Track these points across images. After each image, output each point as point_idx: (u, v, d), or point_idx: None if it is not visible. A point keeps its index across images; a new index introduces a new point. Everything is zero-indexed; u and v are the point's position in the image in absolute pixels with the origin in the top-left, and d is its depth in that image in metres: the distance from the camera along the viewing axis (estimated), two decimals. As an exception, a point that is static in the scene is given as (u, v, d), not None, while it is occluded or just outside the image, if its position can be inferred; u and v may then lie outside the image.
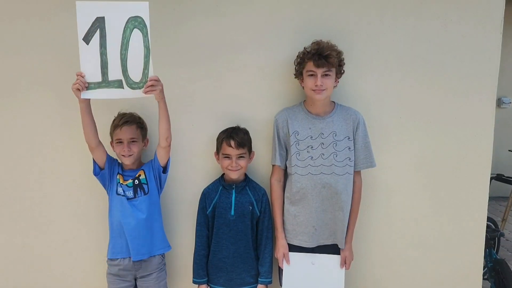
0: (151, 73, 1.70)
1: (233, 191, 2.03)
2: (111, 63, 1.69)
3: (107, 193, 2.04)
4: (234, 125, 2.07)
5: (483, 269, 2.65)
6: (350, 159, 1.94)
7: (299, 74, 1.96)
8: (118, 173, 2.03)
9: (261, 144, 2.14)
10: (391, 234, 2.27)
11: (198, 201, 2.08)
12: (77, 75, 1.71)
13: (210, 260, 2.05)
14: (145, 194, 2.01)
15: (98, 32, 1.64)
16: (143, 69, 1.69)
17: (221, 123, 2.11)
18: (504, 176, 3.47)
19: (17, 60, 2.09)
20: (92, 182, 2.04)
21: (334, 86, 1.95)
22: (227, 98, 2.15)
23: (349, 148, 1.93)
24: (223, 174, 2.08)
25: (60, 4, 2.02)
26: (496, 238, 3.31)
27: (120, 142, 1.96)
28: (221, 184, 2.06)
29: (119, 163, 2.06)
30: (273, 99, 2.13)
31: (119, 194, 1.99)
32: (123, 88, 1.73)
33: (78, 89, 1.72)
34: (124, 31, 1.64)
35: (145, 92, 1.72)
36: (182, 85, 2.12)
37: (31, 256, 2.25)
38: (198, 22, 2.09)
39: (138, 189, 2.01)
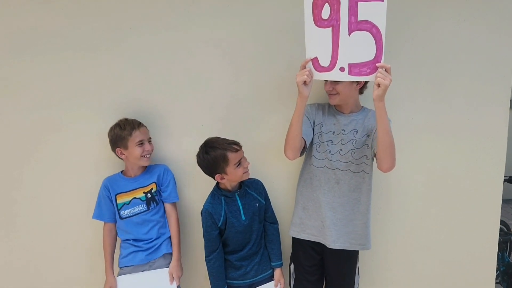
0: None
1: (237, 196, 1.96)
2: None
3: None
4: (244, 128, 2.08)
5: (495, 273, 2.61)
6: (367, 157, 1.89)
7: None
8: (116, 194, 1.99)
9: (262, 141, 2.16)
10: (402, 236, 2.25)
11: (202, 220, 1.95)
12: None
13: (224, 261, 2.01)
14: (157, 204, 2.02)
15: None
16: None
17: (231, 124, 2.12)
18: (516, 178, 3.41)
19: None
20: (99, 181, 2.05)
21: (361, 93, 1.91)
22: (240, 99, 2.14)
23: (367, 146, 1.89)
24: (217, 184, 1.99)
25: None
26: (509, 241, 3.27)
27: (141, 143, 1.93)
28: (222, 194, 1.95)
29: (107, 187, 2.01)
30: (289, 100, 2.05)
31: (124, 218, 1.98)
32: None
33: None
34: None
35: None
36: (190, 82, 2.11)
37: (37, 257, 2.26)
38: (210, 23, 2.08)
39: (151, 202, 2.01)
